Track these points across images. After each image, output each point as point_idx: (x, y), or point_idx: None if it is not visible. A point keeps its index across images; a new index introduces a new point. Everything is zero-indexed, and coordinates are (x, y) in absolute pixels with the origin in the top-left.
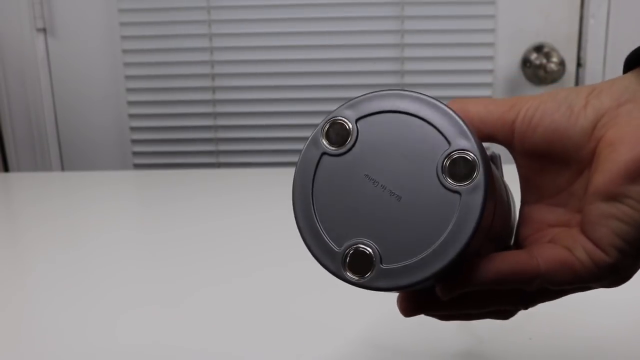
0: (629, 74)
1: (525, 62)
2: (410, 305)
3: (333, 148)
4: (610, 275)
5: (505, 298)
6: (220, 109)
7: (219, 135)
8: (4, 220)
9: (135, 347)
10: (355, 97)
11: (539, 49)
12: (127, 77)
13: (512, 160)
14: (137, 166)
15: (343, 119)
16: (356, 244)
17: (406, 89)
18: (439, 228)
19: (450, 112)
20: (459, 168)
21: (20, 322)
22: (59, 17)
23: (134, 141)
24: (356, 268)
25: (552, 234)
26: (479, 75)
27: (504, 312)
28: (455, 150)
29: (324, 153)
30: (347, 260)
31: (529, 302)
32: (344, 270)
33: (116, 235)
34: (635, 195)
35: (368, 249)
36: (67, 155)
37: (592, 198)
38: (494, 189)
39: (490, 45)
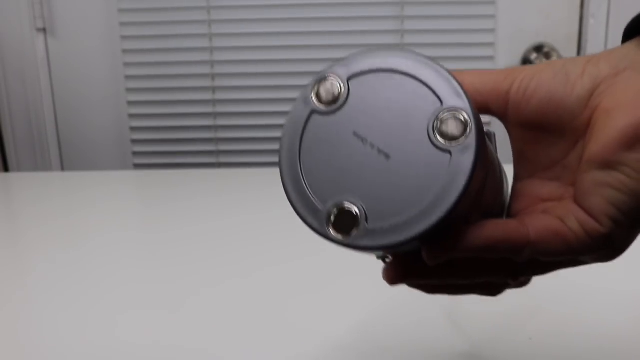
0: (628, 43)
1: (525, 62)
2: (396, 273)
3: (323, 106)
4: (604, 246)
5: (494, 269)
6: (220, 109)
7: (219, 135)
8: (4, 220)
9: (136, 347)
10: (347, 56)
11: (539, 49)
12: (127, 77)
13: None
14: (137, 166)
15: (334, 76)
16: (341, 203)
17: (400, 48)
18: (427, 188)
19: (444, 72)
20: (450, 127)
21: (20, 322)
22: (59, 17)
23: (134, 141)
24: (341, 227)
25: (545, 207)
26: None
27: (492, 287)
28: (447, 109)
29: (314, 111)
30: (332, 218)
31: (518, 274)
32: (327, 229)
33: (116, 235)
34: (631, 163)
35: (354, 207)
36: (67, 155)
37: (587, 166)
38: (486, 154)
39: (490, 45)
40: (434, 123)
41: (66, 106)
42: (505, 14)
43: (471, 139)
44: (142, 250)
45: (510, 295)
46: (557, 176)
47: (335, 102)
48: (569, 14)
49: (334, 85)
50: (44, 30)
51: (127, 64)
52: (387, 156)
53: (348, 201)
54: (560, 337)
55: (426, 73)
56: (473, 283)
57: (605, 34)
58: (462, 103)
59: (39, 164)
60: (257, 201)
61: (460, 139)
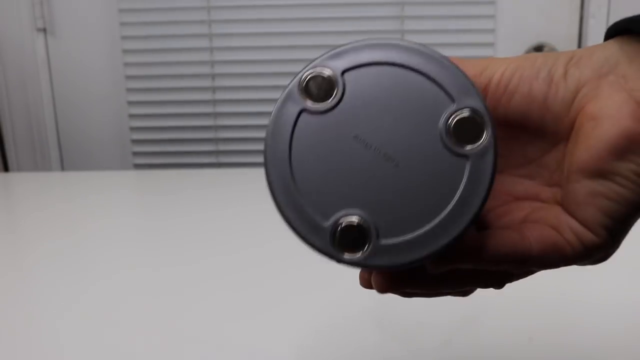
0: (610, 42)
1: None
2: (387, 281)
3: (314, 104)
4: (596, 254)
5: (486, 278)
6: (220, 109)
7: (219, 135)
8: (4, 220)
9: (135, 346)
10: (341, 45)
11: (539, 49)
12: (127, 77)
13: None
14: (137, 166)
15: (326, 69)
16: (347, 217)
17: (401, 39)
18: (445, 196)
19: (452, 65)
20: (466, 129)
21: (20, 322)
22: (59, 17)
23: (134, 141)
24: (349, 244)
25: (521, 208)
26: None
27: (468, 291)
28: (461, 109)
29: (303, 110)
30: (337, 235)
31: (505, 281)
32: (333, 248)
33: (116, 235)
34: (624, 172)
35: (361, 221)
36: (67, 155)
37: (577, 176)
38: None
39: (490, 45)
40: (447, 125)
41: (66, 106)
42: (505, 14)
43: (489, 140)
44: (142, 249)
45: (510, 295)
46: (530, 174)
47: (327, 99)
48: (569, 14)
49: (327, 79)
50: (44, 30)
51: (127, 64)
52: (396, 163)
53: (354, 214)
54: (559, 338)
55: (432, 67)
56: (457, 291)
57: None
58: (476, 101)
59: (39, 164)
60: (257, 201)
61: (477, 141)
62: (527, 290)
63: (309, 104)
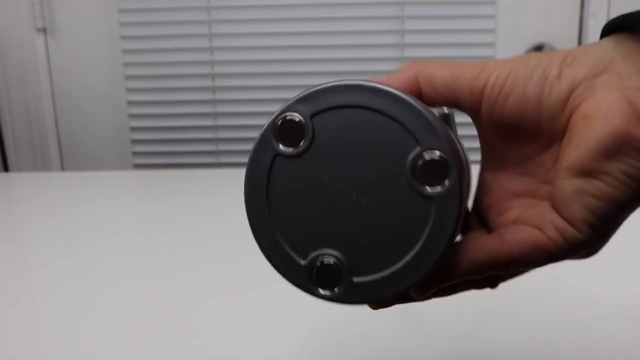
0: (605, 40)
1: None
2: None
3: (287, 149)
4: (580, 251)
5: (476, 283)
6: (220, 109)
7: (219, 135)
8: (4, 220)
9: (135, 345)
10: (309, 89)
11: (539, 49)
12: (127, 77)
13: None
14: (137, 166)
15: (296, 114)
16: (322, 256)
17: (366, 79)
18: (412, 237)
19: (417, 106)
20: (430, 171)
21: (19, 322)
22: (59, 17)
23: (134, 141)
24: (324, 282)
25: (519, 206)
26: None
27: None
28: (426, 151)
29: (277, 154)
30: (314, 273)
31: (497, 282)
32: (312, 285)
33: (116, 235)
34: (611, 171)
35: (336, 260)
36: (67, 155)
37: (566, 173)
38: (468, 186)
39: (490, 45)
40: (412, 167)
41: (66, 106)
42: (505, 14)
43: (453, 182)
44: (141, 249)
45: (510, 295)
46: (529, 172)
47: (299, 144)
48: (569, 14)
49: (297, 124)
50: (44, 30)
51: (127, 64)
52: (365, 204)
53: (328, 254)
54: (559, 338)
55: (397, 108)
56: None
57: None
58: (440, 143)
59: (39, 164)
60: None
61: (442, 182)
62: (527, 290)
63: (282, 148)
